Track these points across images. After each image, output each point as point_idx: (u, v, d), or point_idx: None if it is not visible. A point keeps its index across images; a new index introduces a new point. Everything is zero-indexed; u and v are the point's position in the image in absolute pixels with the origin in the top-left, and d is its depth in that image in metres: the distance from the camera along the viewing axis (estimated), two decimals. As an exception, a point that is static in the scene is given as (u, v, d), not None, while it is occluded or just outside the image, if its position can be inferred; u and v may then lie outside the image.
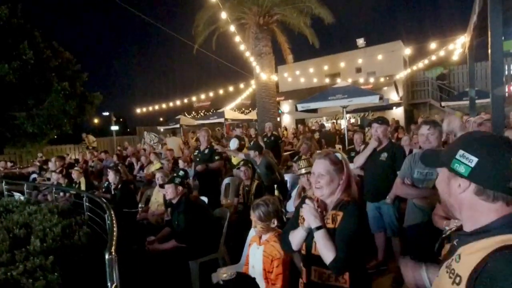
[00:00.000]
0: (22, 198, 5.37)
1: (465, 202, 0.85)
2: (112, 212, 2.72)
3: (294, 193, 3.81)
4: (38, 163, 9.04)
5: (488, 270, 0.70)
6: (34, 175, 7.89)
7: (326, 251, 1.46)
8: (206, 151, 4.72)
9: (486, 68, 12.46)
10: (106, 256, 1.74)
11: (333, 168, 1.56)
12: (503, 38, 3.43)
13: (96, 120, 24.91)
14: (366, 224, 1.39)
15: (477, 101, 6.90)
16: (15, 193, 5.88)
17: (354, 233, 1.46)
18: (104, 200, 3.23)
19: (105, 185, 5.45)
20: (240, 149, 6.25)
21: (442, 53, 9.90)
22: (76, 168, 5.97)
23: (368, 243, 1.41)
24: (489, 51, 3.40)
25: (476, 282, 0.71)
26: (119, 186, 4.77)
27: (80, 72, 14.63)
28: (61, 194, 5.77)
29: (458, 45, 8.57)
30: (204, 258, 3.03)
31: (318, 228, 1.50)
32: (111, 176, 4.88)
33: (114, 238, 2.07)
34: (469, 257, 0.78)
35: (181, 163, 6.06)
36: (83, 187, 5.42)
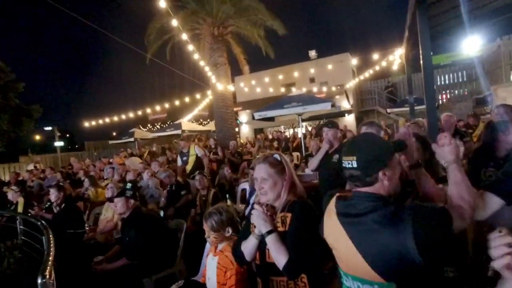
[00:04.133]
0: None
1: None
2: (50, 233, 2.44)
3: (252, 200, 3.78)
4: None
5: None
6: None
7: (278, 255, 1.42)
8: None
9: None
10: (39, 281, 1.53)
11: (274, 170, 1.54)
12: (431, 53, 3.85)
13: (37, 136, 22.63)
14: (318, 221, 1.38)
15: (416, 107, 7.61)
16: None
17: (305, 233, 1.43)
18: (41, 221, 2.89)
19: (47, 205, 4.90)
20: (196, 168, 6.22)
21: (384, 63, 10.80)
22: (12, 187, 5.27)
23: (323, 244, 1.39)
24: (421, 62, 3.80)
25: None
26: (63, 205, 4.33)
27: (15, 82, 13.27)
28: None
29: (397, 56, 9.43)
30: (160, 275, 2.85)
31: (269, 233, 1.45)
32: (53, 194, 4.40)
33: (50, 260, 1.84)
34: None
35: (145, 176, 5.37)
36: (20, 209, 4.82)
